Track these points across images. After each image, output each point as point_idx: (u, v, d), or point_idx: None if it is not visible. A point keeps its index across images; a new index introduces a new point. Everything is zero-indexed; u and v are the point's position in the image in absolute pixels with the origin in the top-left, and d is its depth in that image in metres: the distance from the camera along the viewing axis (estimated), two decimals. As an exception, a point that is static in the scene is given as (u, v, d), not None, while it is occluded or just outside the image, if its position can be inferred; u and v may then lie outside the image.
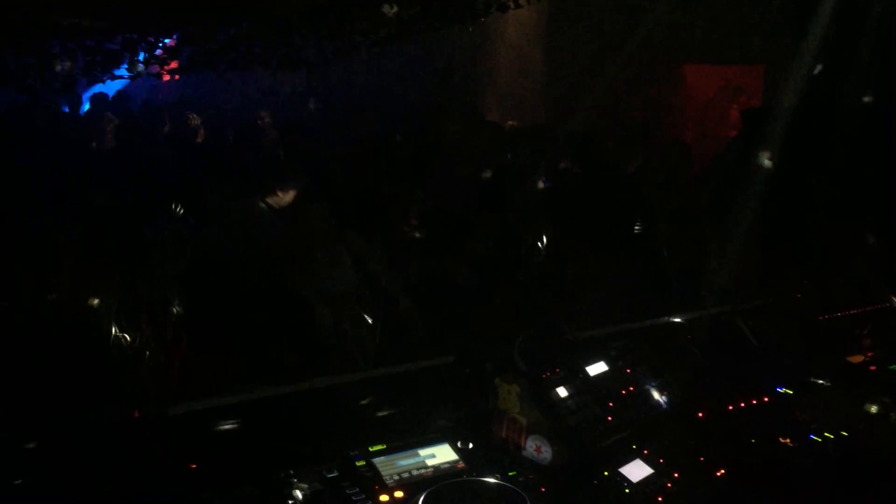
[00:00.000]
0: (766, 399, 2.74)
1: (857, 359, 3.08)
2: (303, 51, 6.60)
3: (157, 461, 2.30)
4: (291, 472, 2.13)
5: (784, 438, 2.46)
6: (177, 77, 9.30)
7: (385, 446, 2.25)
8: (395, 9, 5.76)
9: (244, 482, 2.18)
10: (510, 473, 2.17)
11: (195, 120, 8.32)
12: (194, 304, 3.85)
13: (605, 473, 2.21)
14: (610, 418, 2.37)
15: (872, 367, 3.01)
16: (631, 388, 2.51)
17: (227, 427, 2.53)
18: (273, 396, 2.81)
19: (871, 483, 2.27)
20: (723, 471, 2.32)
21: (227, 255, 4.52)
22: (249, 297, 4.22)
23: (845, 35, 4.71)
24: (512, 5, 6.92)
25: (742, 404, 2.67)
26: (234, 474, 2.24)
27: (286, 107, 9.80)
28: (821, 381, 2.87)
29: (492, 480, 2.12)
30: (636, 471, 2.24)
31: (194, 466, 2.30)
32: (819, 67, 4.52)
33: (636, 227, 5.08)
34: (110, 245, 4.18)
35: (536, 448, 2.25)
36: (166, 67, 6.88)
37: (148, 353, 3.78)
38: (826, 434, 2.48)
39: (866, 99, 4.22)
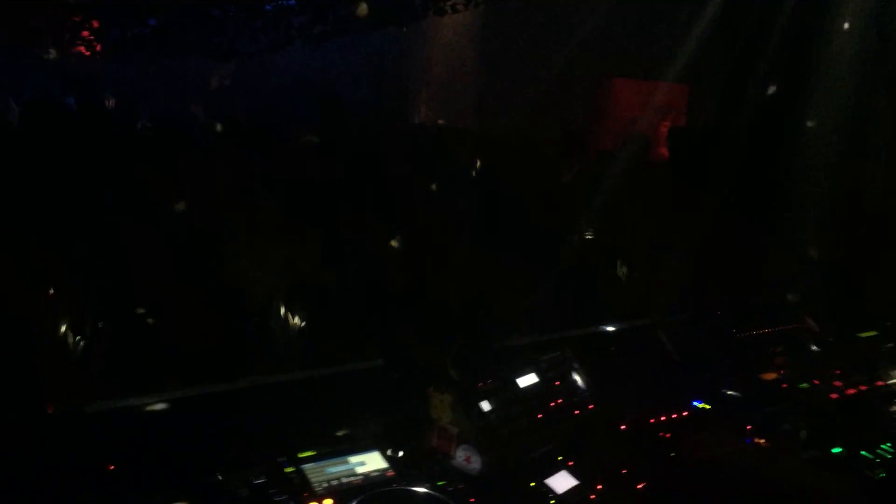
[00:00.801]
0: (685, 413, 2.83)
1: (771, 376, 3.20)
2: (236, 41, 6.49)
3: (73, 462, 2.24)
4: (218, 476, 2.10)
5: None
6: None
7: (314, 452, 2.23)
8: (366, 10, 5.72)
9: (166, 485, 2.14)
10: (439, 483, 2.18)
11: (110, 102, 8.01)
12: (117, 299, 3.75)
13: (532, 484, 2.26)
14: (538, 430, 2.41)
15: (784, 385, 3.13)
16: (559, 401, 2.56)
17: (148, 427, 2.48)
18: (198, 396, 2.76)
19: (782, 499, 2.37)
20: (644, 483, 2.38)
21: (147, 251, 4.40)
22: (174, 293, 4.12)
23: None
24: (449, 10, 6.96)
25: (663, 417, 2.75)
26: (156, 477, 2.19)
27: (215, 100, 9.56)
28: (734, 396, 2.99)
29: (421, 490, 2.13)
30: (562, 482, 2.29)
31: (112, 468, 2.24)
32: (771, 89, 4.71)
33: (587, 235, 5.14)
34: (23, 233, 4.03)
35: (466, 458, 2.28)
36: (90, 51, 6.66)
37: (65, 346, 3.67)
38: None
39: (809, 124, 4.40)
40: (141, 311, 3.91)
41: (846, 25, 4.98)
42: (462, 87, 10.69)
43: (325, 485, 2.13)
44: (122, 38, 6.51)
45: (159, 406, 2.67)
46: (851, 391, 3.12)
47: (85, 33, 6.34)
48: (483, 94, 10.56)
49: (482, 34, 10.75)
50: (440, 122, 8.74)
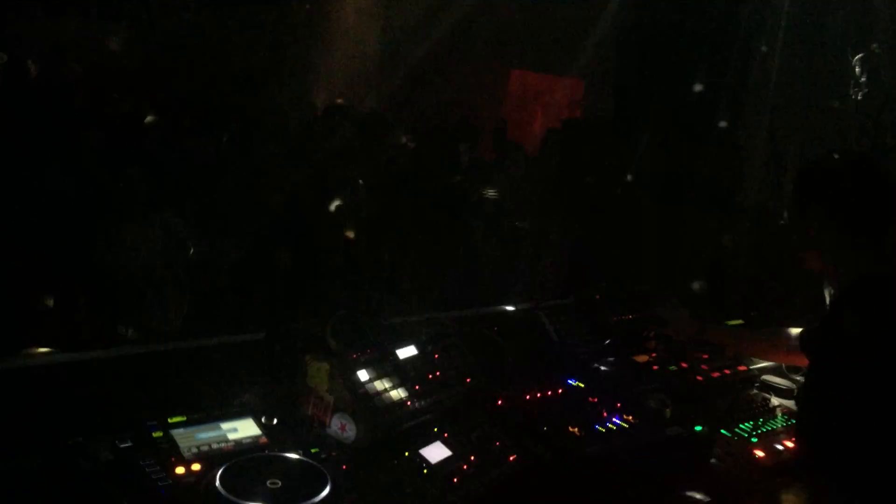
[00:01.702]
0: (559, 390, 2.91)
1: (643, 358, 3.33)
2: (129, 3, 6.26)
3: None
4: (80, 439, 2.04)
5: (573, 427, 2.63)
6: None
7: (185, 418, 2.19)
8: None
9: (28, 451, 2.06)
10: (313, 450, 2.18)
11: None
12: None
13: (406, 454, 2.28)
14: (415, 401, 2.44)
15: (655, 367, 3.27)
16: (437, 374, 2.59)
17: (11, 392, 2.38)
18: (68, 362, 2.66)
19: (649, 470, 2.48)
20: (515, 455, 2.45)
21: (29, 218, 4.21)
22: (52, 262, 3.96)
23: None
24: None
25: (538, 394, 2.83)
26: (16, 442, 2.10)
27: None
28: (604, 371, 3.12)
29: (293, 456, 2.12)
30: (436, 452, 2.32)
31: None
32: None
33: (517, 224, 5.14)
34: None
35: (341, 426, 2.28)
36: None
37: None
38: (609, 425, 2.68)
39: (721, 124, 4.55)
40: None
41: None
42: (362, 68, 10.63)
43: (195, 450, 2.09)
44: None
45: (26, 372, 2.57)
46: (716, 374, 3.29)
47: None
48: (383, 77, 10.54)
49: (384, 16, 10.71)
50: (338, 100, 8.66)
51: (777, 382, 3.28)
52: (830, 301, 2.83)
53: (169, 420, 2.16)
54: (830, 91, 5.73)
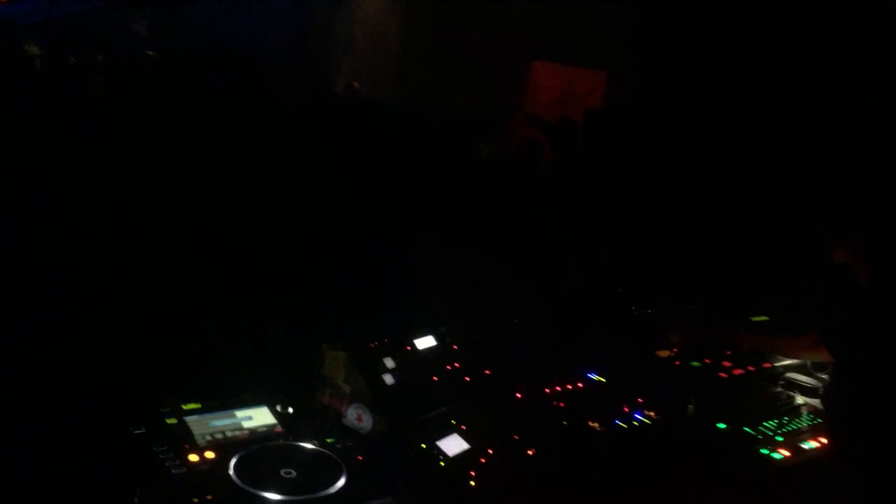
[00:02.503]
0: (579, 384, 2.86)
1: (665, 353, 3.27)
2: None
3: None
4: (93, 425, 2.02)
5: (592, 422, 2.58)
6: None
7: (200, 405, 2.16)
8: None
9: (44, 437, 2.04)
10: (328, 440, 2.14)
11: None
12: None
13: (423, 446, 2.23)
14: (432, 392, 2.40)
15: (677, 363, 3.21)
16: (456, 365, 2.55)
17: (24, 379, 2.37)
18: (83, 349, 2.65)
19: (669, 466, 2.42)
20: (533, 450, 2.40)
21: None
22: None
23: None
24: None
25: (557, 388, 2.78)
26: (33, 429, 2.09)
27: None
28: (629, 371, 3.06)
29: (308, 446, 2.08)
30: (453, 445, 2.27)
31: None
32: None
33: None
34: None
35: (358, 416, 2.24)
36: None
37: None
38: (633, 422, 2.63)
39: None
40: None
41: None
42: (383, 58, 10.59)
43: (209, 437, 2.06)
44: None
45: (45, 354, 2.56)
46: (739, 371, 3.23)
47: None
48: (403, 67, 10.49)
49: (406, 6, 10.66)
50: (355, 85, 8.60)
51: (802, 380, 3.21)
52: (858, 294, 2.75)
53: (183, 406, 2.14)
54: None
